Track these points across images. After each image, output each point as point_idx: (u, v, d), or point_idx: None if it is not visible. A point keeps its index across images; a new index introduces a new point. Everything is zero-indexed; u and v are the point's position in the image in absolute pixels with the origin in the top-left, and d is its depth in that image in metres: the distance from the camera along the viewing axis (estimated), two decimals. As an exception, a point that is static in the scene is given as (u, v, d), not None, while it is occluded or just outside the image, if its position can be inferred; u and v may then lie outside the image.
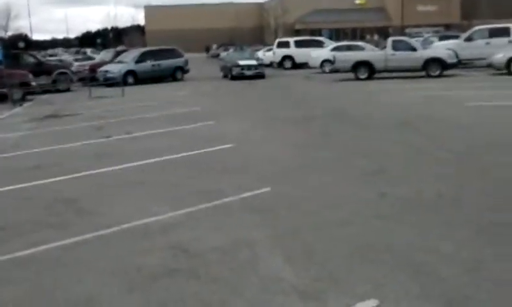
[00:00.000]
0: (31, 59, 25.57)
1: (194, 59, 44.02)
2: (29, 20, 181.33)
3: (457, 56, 23.79)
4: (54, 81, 24.85)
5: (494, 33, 26.28)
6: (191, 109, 16.11)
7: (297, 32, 70.84)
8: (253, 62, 28.83)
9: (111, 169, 8.77)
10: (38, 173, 8.72)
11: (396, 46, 23.41)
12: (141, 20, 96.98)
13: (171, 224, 5.93)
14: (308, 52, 32.11)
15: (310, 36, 45.23)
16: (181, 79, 29.19)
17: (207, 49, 74.24)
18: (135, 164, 9.06)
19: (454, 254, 4.75)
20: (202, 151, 9.85)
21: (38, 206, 6.89)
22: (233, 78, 27.72)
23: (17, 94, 20.89)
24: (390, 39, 24.47)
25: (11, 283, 4.67)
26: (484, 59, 24.75)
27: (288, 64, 35.04)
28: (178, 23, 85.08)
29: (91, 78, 24.88)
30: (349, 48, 30.33)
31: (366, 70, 23.55)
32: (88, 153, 10.28)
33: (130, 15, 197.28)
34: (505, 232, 5.23)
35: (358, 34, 77.08)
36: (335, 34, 68.72)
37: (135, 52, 29.63)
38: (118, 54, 31.15)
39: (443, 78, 22.17)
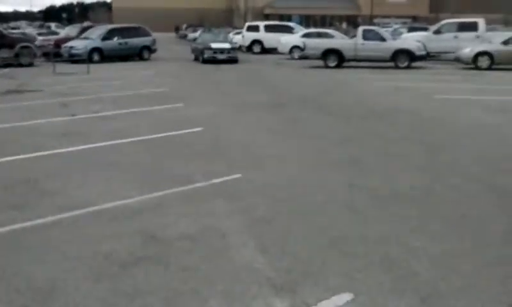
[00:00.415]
0: (-8, 31, 24.75)
1: (163, 39, 43.44)
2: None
3: (425, 48, 23.97)
4: (17, 55, 24.02)
5: (462, 27, 26.59)
6: (159, 90, 15.82)
7: (266, 17, 70.58)
8: (226, 45, 27.43)
9: (77, 148, 8.50)
10: (-1, 150, 8.40)
11: (366, 35, 23.45)
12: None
13: (139, 208, 5.75)
14: (278, 37, 31.94)
15: (279, 21, 45.11)
16: (148, 59, 28.69)
17: (177, 29, 72.93)
18: (102, 144, 8.81)
19: (426, 248, 4.71)
20: (171, 133, 9.65)
21: (-2, 186, 6.62)
22: (205, 61, 26.36)
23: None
24: (360, 29, 24.50)
25: (-31, 266, 4.45)
26: (451, 52, 25.06)
27: (257, 48, 34.83)
28: (146, 2, 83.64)
29: (56, 54, 24.20)
30: (319, 35, 30.28)
31: (335, 58, 23.53)
32: (53, 131, 9.96)
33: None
34: (476, 226, 5.23)
35: (327, 21, 77.23)
36: (304, 21, 68.63)
37: (102, 29, 28.94)
38: (84, 30, 30.37)
39: (411, 70, 22.34)
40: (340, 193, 6.27)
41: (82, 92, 15.34)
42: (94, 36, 27.48)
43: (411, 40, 25.51)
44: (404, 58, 22.99)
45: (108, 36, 27.47)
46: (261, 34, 35.02)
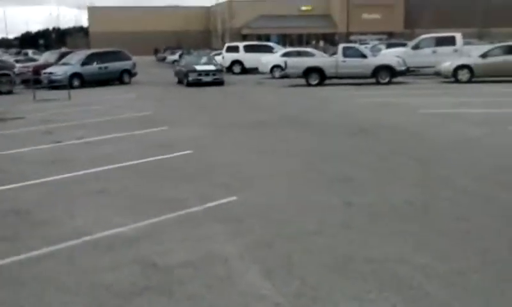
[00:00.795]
0: (-30, 60, 24.42)
1: (141, 62, 43.28)
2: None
3: (405, 64, 24.18)
4: (-5, 83, 23.77)
5: (440, 42, 26.91)
6: (143, 114, 15.68)
7: (244, 37, 70.93)
8: (212, 67, 26.52)
9: (64, 176, 8.31)
10: (-16, 180, 8.18)
11: (347, 53, 23.59)
12: (84, 21, 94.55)
13: (135, 236, 5.60)
14: (257, 57, 32.00)
15: (257, 41, 45.32)
16: (129, 83, 28.49)
17: (156, 51, 72.43)
18: (90, 171, 8.64)
19: (434, 266, 4.64)
20: (159, 157, 9.51)
21: (-13, 218, 6.42)
22: (190, 84, 25.48)
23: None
24: (340, 46, 24.66)
25: (-36, 304, 4.27)
26: (430, 67, 25.32)
27: (237, 68, 34.85)
28: (123, 26, 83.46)
29: (35, 81, 23.93)
30: (299, 54, 30.46)
31: (317, 76, 23.60)
32: (39, 159, 9.76)
33: (73, 16, 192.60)
34: (481, 242, 5.17)
35: (304, 40, 77.88)
36: (281, 40, 69.11)
37: (81, 54, 28.73)
38: (62, 55, 30.12)
39: (392, 86, 22.49)
40: (337, 212, 6.19)
41: (65, 118, 15.13)
42: (73, 62, 27.26)
43: (391, 56, 25.72)
44: (385, 74, 23.16)
45: (88, 61, 27.26)
46: (241, 55, 35.06)
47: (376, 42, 43.07)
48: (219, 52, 39.86)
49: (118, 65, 28.40)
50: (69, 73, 25.45)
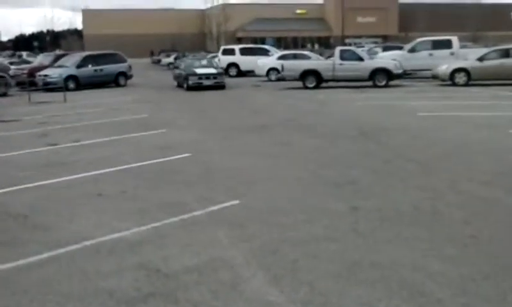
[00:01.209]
0: (-36, 62, 24.24)
1: (136, 65, 43.10)
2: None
3: (402, 67, 24.14)
4: (-10, 86, 23.59)
5: (437, 45, 26.93)
6: (140, 116, 15.55)
7: (239, 40, 70.94)
8: (212, 70, 25.58)
9: (62, 179, 8.18)
10: (-19, 184, 8.03)
11: (344, 56, 23.54)
12: (79, 23, 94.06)
13: (138, 241, 5.48)
14: (253, 60, 31.98)
15: (252, 44, 45.28)
16: (124, 85, 28.37)
17: (152, 54, 71.83)
18: (88, 174, 8.50)
19: (444, 272, 4.54)
20: (158, 160, 9.39)
21: (-16, 222, 6.27)
22: (190, 88, 24.50)
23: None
24: (337, 49, 24.61)
25: (-37, 312, 4.13)
26: (427, 70, 25.33)
27: (233, 71, 34.74)
28: (118, 28, 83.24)
29: (30, 83, 23.76)
30: (295, 57, 30.43)
31: (314, 78, 23.54)
32: (35, 162, 9.61)
33: (67, 18, 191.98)
34: (491, 247, 5.08)
35: (299, 43, 77.97)
36: (276, 43, 69.11)
37: (76, 56, 28.60)
38: (58, 58, 29.96)
39: (389, 89, 22.43)
40: (343, 216, 6.08)
41: (61, 121, 14.99)
42: (69, 64, 27.11)
43: (388, 59, 25.68)
44: (382, 77, 23.11)
45: (83, 63, 27.13)
46: (237, 57, 34.97)
47: (372, 45, 43.10)
48: (214, 54, 39.78)
49: (114, 67, 28.29)
50: (64, 75, 25.27)
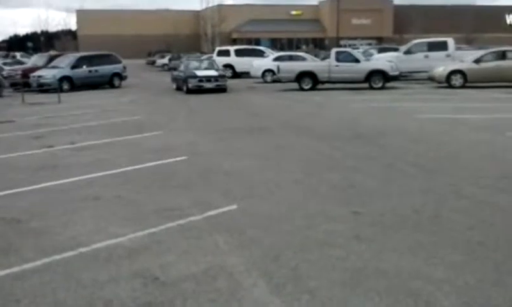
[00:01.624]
0: (-43, 62, 24.01)
1: (131, 66, 42.93)
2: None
3: (398, 68, 24.07)
4: (-17, 86, 23.39)
5: (432, 47, 26.88)
6: (135, 118, 15.40)
7: (234, 41, 70.77)
8: (213, 72, 24.47)
9: (57, 183, 8.02)
10: (-27, 187, 7.87)
11: (339, 57, 23.48)
12: (73, 24, 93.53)
13: (135, 247, 5.34)
14: (248, 61, 31.89)
15: (247, 45, 45.17)
16: (119, 86, 28.22)
17: (150, 54, 70.43)
18: (83, 177, 8.35)
19: (450, 280, 4.42)
20: (154, 163, 9.25)
21: (-23, 227, 6.11)
22: (190, 91, 23.36)
23: None
24: (333, 50, 24.52)
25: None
26: (423, 72, 25.27)
27: (228, 73, 34.56)
28: (112, 29, 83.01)
29: (24, 84, 23.56)
30: (290, 58, 30.34)
31: (310, 80, 23.45)
32: (29, 164, 9.44)
33: (61, 19, 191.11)
34: (497, 254, 4.97)
35: (294, 44, 77.89)
36: (271, 44, 69.04)
37: (70, 57, 28.41)
38: (52, 58, 29.75)
39: (385, 90, 22.36)
40: (344, 222, 5.96)
41: (55, 122, 14.82)
42: (63, 65, 26.92)
43: (383, 61, 25.62)
44: (379, 79, 23.05)
45: (77, 64, 26.96)
46: (232, 59, 34.85)
47: (367, 47, 43.08)
48: (209, 55, 39.64)
49: (108, 68, 28.15)
50: (58, 76, 25.11)
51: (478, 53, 24.14)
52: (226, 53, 35.65)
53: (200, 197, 7.09)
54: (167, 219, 6.15)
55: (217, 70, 25.52)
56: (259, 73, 30.09)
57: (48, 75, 25.64)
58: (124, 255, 5.12)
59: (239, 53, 35.27)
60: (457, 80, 22.31)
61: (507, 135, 11.25)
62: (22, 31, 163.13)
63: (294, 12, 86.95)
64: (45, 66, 27.83)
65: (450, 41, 27.11)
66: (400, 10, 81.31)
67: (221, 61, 35.01)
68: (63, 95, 22.07)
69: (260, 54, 34.47)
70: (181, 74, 25.14)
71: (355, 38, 73.12)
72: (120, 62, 29.15)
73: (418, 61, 26.25)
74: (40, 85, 25.05)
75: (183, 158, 9.61)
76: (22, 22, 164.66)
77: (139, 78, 35.08)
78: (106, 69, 27.95)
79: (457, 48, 29.49)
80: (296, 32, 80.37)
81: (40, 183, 7.99)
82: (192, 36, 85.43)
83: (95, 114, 16.67)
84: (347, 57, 23.56)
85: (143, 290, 4.37)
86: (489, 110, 15.24)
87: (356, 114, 15.23)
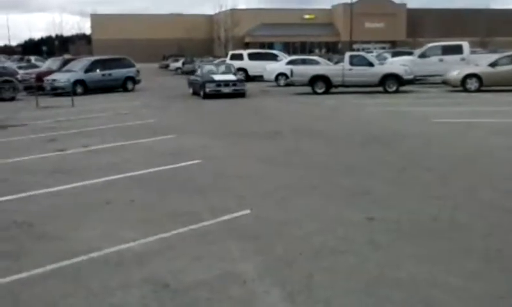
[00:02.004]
0: (-28, 66, 24.16)
1: (145, 70, 43.07)
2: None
3: (412, 72, 23.85)
4: (-3, 89, 23.49)
5: (447, 50, 26.64)
6: (148, 121, 15.36)
7: (247, 45, 70.84)
8: (231, 77, 23.64)
9: (69, 186, 7.98)
10: (-14, 191, 7.84)
11: (353, 61, 23.29)
12: (87, 28, 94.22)
13: (146, 252, 5.27)
14: (262, 65, 31.73)
15: (260, 49, 45.08)
16: (132, 90, 28.25)
17: (164, 58, 70.22)
18: (95, 181, 8.30)
19: (469, 289, 4.29)
20: (167, 167, 9.18)
21: (-12, 231, 6.07)
22: (207, 96, 22.42)
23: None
24: (347, 54, 24.34)
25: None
26: (437, 75, 25.04)
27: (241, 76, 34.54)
28: (126, 33, 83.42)
29: (38, 88, 23.65)
30: (304, 62, 30.18)
31: (323, 84, 23.30)
32: (42, 168, 9.42)
33: (75, 23, 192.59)
34: (516, 262, 4.84)
35: (307, 48, 77.77)
36: (284, 48, 68.98)
37: (84, 61, 28.48)
38: (66, 62, 29.86)
39: (400, 94, 22.16)
40: (359, 228, 5.84)
41: (69, 126, 14.83)
42: (77, 69, 27.00)
43: (398, 64, 25.41)
44: (393, 83, 22.84)
45: (91, 68, 27.02)
46: (245, 62, 34.72)
47: (380, 50, 42.84)
48: (222, 59, 39.62)
49: (122, 72, 28.20)
50: (72, 80, 25.19)
51: (493, 56, 23.85)
52: (239, 57, 35.55)
53: (212, 201, 7.01)
54: (179, 224, 6.07)
55: (234, 74, 25.05)
56: (272, 77, 29.98)
57: (62, 78, 25.73)
58: (135, 260, 5.05)
59: (252, 57, 35.17)
60: (472, 83, 22.04)
61: (524, 139, 11.06)
62: (37, 35, 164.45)
63: (307, 16, 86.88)
64: (59, 70, 27.93)
65: (465, 45, 26.86)
66: (413, 14, 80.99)
67: (235, 64, 34.95)
68: (77, 99, 22.10)
69: (274, 57, 34.35)
70: (198, 78, 24.43)
71: (368, 42, 72.83)
72: (133, 66, 29.20)
73: (432, 64, 25.99)
74: (54, 88, 25.15)
75: (196, 162, 9.53)
76: (37, 26, 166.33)
77: (153, 82, 35.11)
78: (119, 73, 28.00)
79: (472, 52, 29.24)
80: (309, 36, 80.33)
81: (53, 187, 7.95)
82: (205, 40, 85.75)
83: (108, 117, 16.67)
84: (361, 61, 23.38)
85: (153, 298, 4.29)
86: (505, 114, 15.02)
87: (370, 118, 15.08)
